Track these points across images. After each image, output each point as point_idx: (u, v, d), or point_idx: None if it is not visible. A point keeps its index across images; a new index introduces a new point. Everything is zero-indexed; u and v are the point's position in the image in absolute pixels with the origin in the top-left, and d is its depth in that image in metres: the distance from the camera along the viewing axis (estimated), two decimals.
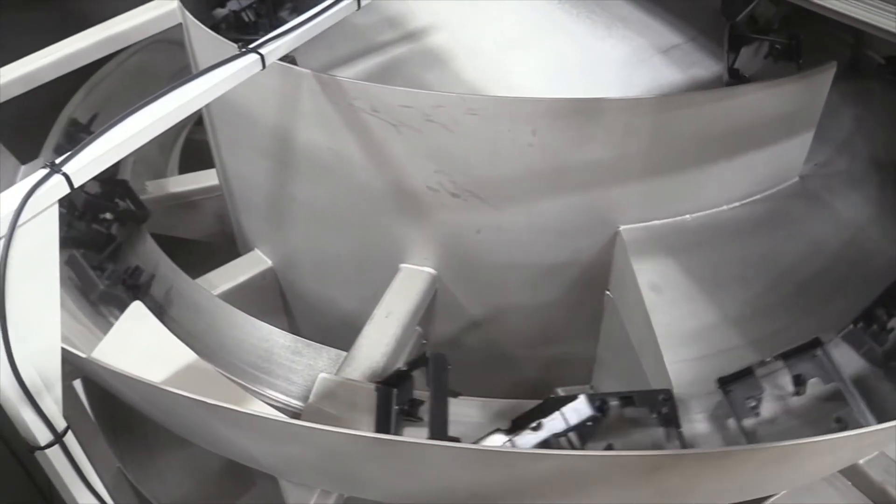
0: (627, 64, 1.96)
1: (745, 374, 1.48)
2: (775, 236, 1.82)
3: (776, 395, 1.47)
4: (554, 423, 1.39)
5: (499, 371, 2.14)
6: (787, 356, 1.48)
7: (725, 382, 1.48)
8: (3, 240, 1.05)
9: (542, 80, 1.90)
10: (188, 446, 1.68)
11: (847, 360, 1.49)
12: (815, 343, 1.48)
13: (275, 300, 2.32)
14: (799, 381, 1.45)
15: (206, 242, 2.67)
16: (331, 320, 2.24)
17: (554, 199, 1.74)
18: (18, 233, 1.06)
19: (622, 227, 1.78)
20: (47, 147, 2.38)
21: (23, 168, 2.32)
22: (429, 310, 1.95)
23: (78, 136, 2.36)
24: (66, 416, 1.25)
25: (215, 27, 1.98)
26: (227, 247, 2.50)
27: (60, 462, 1.26)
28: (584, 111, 1.61)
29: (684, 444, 1.42)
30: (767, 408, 1.46)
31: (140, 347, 1.46)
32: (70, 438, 1.26)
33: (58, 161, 1.14)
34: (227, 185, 2.30)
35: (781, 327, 1.64)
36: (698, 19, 2.19)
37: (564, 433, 1.39)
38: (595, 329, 1.99)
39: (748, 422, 1.44)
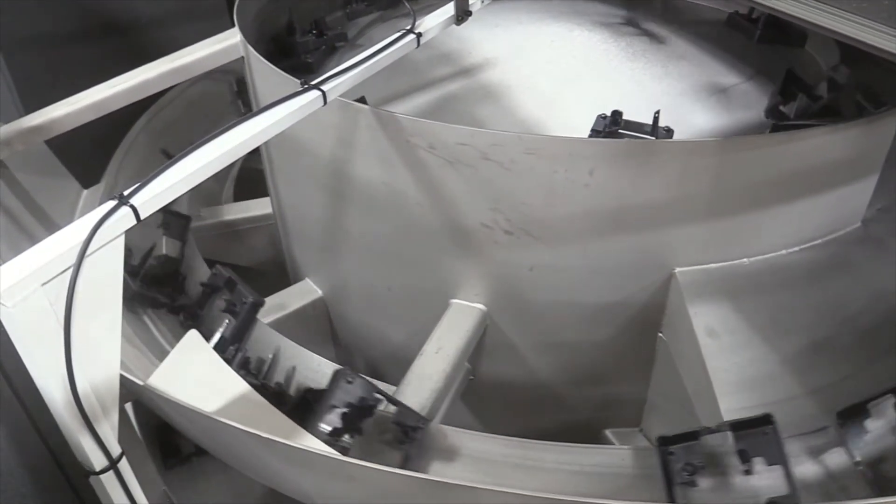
0: (684, 103, 1.95)
1: (688, 437, 1.38)
2: (837, 282, 1.77)
3: (721, 468, 1.36)
4: None
5: (547, 411, 2.11)
6: (735, 427, 1.36)
7: (667, 442, 1.39)
8: (71, 269, 1.07)
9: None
10: (230, 470, 1.69)
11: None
12: (766, 420, 1.35)
13: (323, 330, 2.33)
14: (744, 457, 1.34)
15: (257, 270, 2.70)
16: (379, 352, 2.24)
17: (609, 239, 1.72)
18: (86, 262, 1.08)
19: (677, 270, 1.75)
20: (109, 173, 2.44)
21: (85, 192, 2.38)
22: (478, 346, 1.94)
23: None
24: (119, 440, 1.26)
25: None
26: (278, 275, 2.53)
27: (114, 487, 1.27)
28: (642, 153, 1.59)
29: None
30: (707, 480, 1.36)
31: (194, 376, 1.47)
32: (124, 464, 1.27)
33: (125, 193, 1.16)
34: (281, 214, 2.33)
35: (843, 377, 1.59)
36: (756, 59, 2.17)
37: None
38: (646, 371, 1.96)
39: (682, 491, 1.34)
